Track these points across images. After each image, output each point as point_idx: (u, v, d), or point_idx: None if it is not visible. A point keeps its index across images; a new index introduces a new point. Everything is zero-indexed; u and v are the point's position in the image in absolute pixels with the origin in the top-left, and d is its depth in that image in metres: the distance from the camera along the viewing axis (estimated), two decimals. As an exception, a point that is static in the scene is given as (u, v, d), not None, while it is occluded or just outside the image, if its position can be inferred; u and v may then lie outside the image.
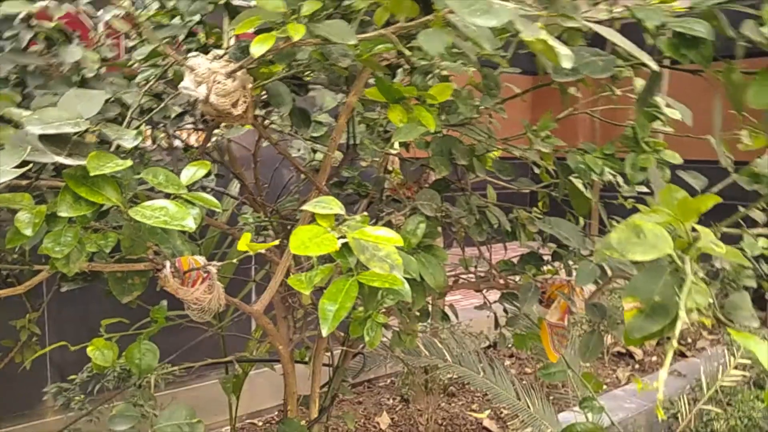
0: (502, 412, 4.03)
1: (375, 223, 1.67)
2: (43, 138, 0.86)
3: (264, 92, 1.23)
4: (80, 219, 0.93)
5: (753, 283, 1.35)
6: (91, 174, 0.86)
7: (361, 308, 1.36)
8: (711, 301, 1.21)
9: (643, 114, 1.26)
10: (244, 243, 0.86)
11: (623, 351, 5.20)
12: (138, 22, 1.51)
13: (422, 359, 2.96)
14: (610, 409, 4.20)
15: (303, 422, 1.87)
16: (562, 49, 0.54)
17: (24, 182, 0.99)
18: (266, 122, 1.85)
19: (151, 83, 1.24)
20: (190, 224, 0.87)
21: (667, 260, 0.86)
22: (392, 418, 4.01)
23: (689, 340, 5.53)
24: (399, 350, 3.47)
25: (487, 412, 4.09)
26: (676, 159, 1.26)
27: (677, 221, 0.80)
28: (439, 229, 1.93)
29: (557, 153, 1.45)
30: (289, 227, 1.82)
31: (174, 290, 1.25)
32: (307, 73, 1.41)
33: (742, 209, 1.27)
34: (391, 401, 4.25)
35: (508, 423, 3.96)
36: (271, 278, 1.55)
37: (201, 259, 1.27)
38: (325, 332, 0.88)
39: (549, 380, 1.48)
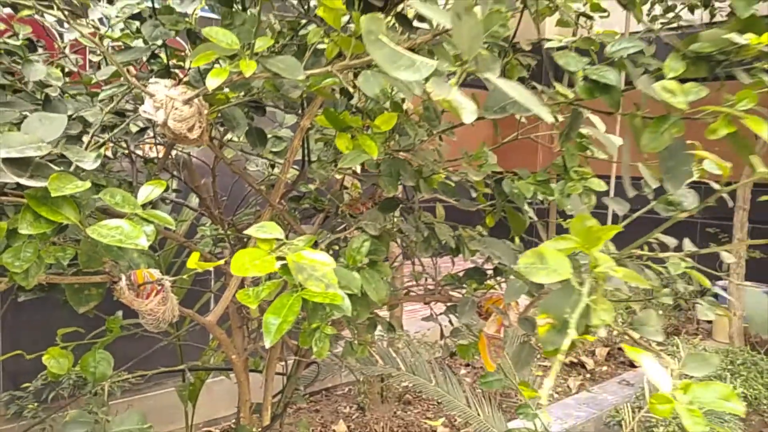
0: (456, 421, 4.13)
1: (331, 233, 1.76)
2: (6, 161, 0.92)
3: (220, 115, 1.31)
4: (40, 236, 0.99)
5: (670, 301, 1.47)
6: (52, 195, 0.92)
7: (309, 323, 1.44)
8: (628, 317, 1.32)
9: (571, 144, 1.37)
10: (194, 261, 0.94)
11: (575, 361, 5.38)
12: (101, 43, 1.56)
13: (377, 368, 3.04)
14: (560, 416, 4.36)
15: (256, 429, 1.94)
16: (466, 107, 0.64)
17: (-14, 199, 1.04)
18: (226, 138, 1.92)
19: (114, 103, 1.30)
20: (143, 243, 0.94)
21: (581, 280, 0.96)
22: (348, 426, 4.07)
23: (638, 351, 5.74)
24: (355, 360, 3.55)
25: (442, 420, 4.19)
26: (601, 187, 1.38)
27: (583, 247, 0.91)
28: (398, 241, 2.02)
29: (499, 175, 1.56)
30: (245, 240, 1.89)
31: (129, 302, 1.31)
32: (264, 96, 1.48)
33: (655, 233, 1.39)
34: (347, 409, 4.32)
35: (461, 431, 4.08)
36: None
37: (155, 273, 1.34)
38: (268, 344, 0.96)
39: (488, 388, 1.58)
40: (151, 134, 1.77)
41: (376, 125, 1.21)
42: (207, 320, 1.55)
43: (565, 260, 0.83)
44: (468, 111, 0.64)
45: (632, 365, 5.48)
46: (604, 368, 5.37)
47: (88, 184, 0.98)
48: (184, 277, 1.21)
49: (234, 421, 4.05)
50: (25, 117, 1.41)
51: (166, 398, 3.69)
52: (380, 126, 1.19)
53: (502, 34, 0.89)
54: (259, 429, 1.94)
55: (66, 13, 1.38)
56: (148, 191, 1.09)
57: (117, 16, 1.59)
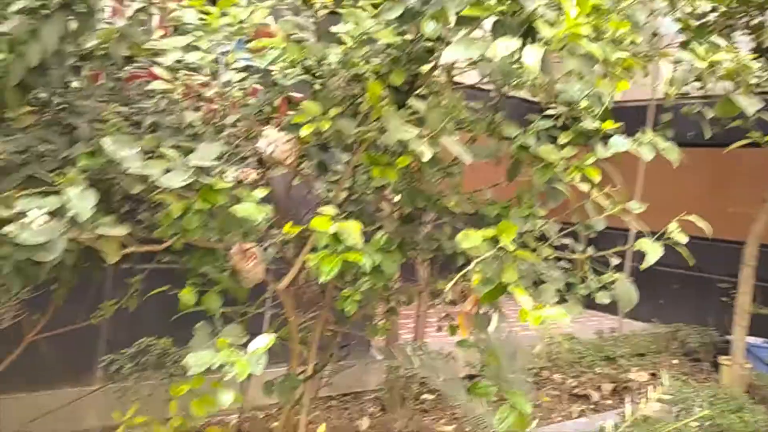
0: (465, 429, 4.73)
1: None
2: (194, 167, 1.73)
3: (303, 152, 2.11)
4: (199, 211, 1.79)
5: (584, 291, 2.14)
6: (214, 188, 1.73)
7: (346, 290, 2.18)
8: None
9: (525, 184, 2.11)
10: (288, 228, 1.71)
11: (582, 393, 5.90)
12: (226, 99, 2.41)
13: (397, 362, 3.74)
14: (556, 434, 4.90)
15: (300, 377, 2.67)
16: (425, 153, 1.39)
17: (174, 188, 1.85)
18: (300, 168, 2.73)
19: (239, 140, 2.12)
20: (261, 218, 1.73)
21: (499, 255, 1.69)
22: (372, 423, 4.73)
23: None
24: (381, 356, 4.27)
25: (453, 426, 4.80)
26: (541, 213, 2.09)
27: (501, 235, 1.64)
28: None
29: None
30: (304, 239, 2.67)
31: (236, 263, 2.10)
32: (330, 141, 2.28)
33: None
34: (372, 409, 4.99)
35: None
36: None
37: (253, 247, 2.12)
38: (322, 279, 1.72)
39: (464, 349, 2.27)
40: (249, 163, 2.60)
41: (397, 162, 1.98)
42: (278, 286, 2.33)
43: (479, 238, 1.57)
44: (424, 156, 1.41)
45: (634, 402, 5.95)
46: (608, 402, 5.87)
47: (230, 184, 1.78)
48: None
49: (275, 410, 4.77)
50: (178, 143, 2.25)
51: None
52: (398, 163, 1.96)
53: (459, 115, 1.66)
54: (304, 378, 2.67)
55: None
56: (260, 193, 1.89)
57: (237, 82, 2.44)
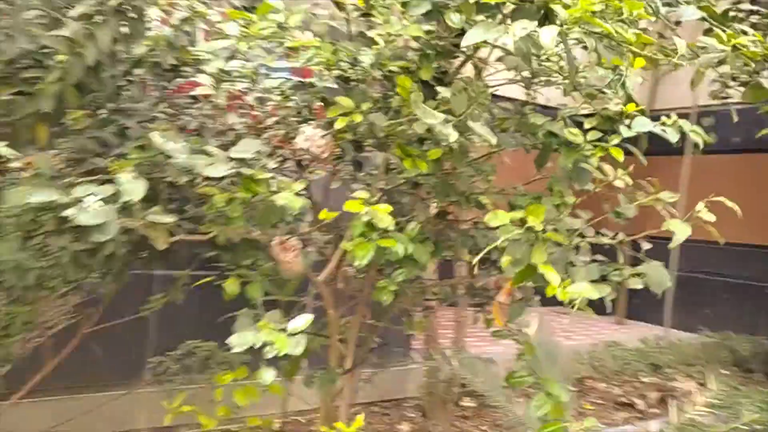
0: (505, 433, 4.71)
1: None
2: (235, 159, 1.84)
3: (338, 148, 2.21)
4: (245, 200, 1.90)
5: (618, 278, 2.15)
6: (256, 178, 1.83)
7: (381, 281, 2.25)
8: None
9: (555, 175, 2.16)
10: (324, 214, 1.80)
11: (627, 402, 5.78)
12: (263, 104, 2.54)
13: (436, 363, 3.78)
14: (600, 443, 4.83)
15: (339, 371, 2.74)
16: (449, 135, 1.45)
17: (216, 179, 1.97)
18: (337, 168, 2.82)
19: (277, 139, 2.23)
20: (298, 206, 1.83)
21: (530, 238, 1.73)
22: (412, 428, 4.75)
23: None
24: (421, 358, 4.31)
25: (494, 432, 4.78)
26: (572, 199, 2.12)
27: (530, 216, 1.69)
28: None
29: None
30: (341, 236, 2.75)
31: (276, 254, 2.19)
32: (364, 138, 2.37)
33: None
34: (412, 415, 5.01)
35: (509, 439, 4.64)
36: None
37: (293, 239, 2.21)
38: (357, 263, 1.80)
39: (499, 339, 2.31)
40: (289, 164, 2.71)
41: (428, 155, 2.05)
42: (317, 279, 2.41)
43: (507, 217, 1.63)
44: (450, 137, 1.48)
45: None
46: (654, 410, 5.73)
47: (270, 175, 1.89)
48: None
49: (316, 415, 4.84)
50: (220, 143, 2.37)
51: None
52: (430, 155, 2.03)
53: (486, 102, 1.72)
54: (342, 372, 2.74)
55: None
56: (297, 186, 1.99)
57: (276, 88, 2.56)
